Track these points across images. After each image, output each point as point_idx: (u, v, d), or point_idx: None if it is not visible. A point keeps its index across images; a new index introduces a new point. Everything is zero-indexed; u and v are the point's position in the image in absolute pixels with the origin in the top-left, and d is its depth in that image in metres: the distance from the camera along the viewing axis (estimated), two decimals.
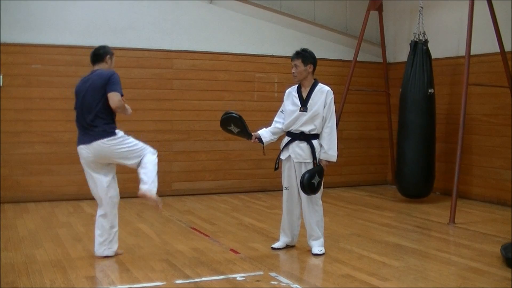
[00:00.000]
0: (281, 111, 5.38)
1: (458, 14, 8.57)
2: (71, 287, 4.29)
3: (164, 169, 8.58)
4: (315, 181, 5.06)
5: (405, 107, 8.15)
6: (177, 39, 8.67)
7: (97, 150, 4.94)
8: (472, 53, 7.24)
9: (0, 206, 7.40)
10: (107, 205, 5.03)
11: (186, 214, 7.18)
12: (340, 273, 4.66)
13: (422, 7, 8.26)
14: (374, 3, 9.18)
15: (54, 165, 7.96)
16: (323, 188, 5.23)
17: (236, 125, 5.11)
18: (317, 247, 5.25)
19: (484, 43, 7.98)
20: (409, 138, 8.06)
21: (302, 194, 5.22)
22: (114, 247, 5.09)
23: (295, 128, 5.20)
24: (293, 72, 5.23)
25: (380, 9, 9.36)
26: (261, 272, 4.66)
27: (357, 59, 9.09)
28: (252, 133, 5.21)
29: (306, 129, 5.16)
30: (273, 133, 5.32)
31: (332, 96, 5.22)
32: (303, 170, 5.16)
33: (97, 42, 8.19)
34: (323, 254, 5.23)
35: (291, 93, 5.31)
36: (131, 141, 5.12)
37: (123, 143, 5.03)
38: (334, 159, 5.20)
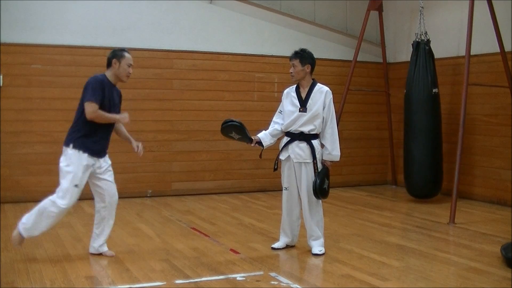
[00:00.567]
0: (279, 112, 5.37)
1: (458, 14, 8.57)
2: (71, 287, 4.29)
3: (164, 169, 8.60)
4: (326, 185, 5.11)
5: (410, 108, 8.16)
6: (177, 39, 8.67)
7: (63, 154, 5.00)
8: (472, 53, 7.24)
9: (0, 206, 7.40)
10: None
11: (186, 214, 7.18)
12: (340, 273, 4.66)
13: (423, 7, 8.26)
14: (374, 3, 9.19)
15: (54, 165, 7.83)
16: None
17: (237, 132, 5.11)
18: (317, 247, 5.25)
19: (484, 43, 7.98)
20: (417, 138, 8.07)
21: (302, 194, 5.22)
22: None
23: (294, 128, 5.19)
24: (291, 72, 5.23)
25: (380, 9, 9.36)
26: (261, 272, 4.66)
27: (357, 59, 9.09)
28: (252, 137, 5.21)
29: (306, 129, 5.16)
30: (273, 136, 5.31)
31: (331, 96, 5.22)
32: (303, 170, 5.16)
33: (97, 42, 8.26)
34: (323, 254, 5.23)
35: (290, 93, 5.30)
36: (68, 168, 4.87)
37: (62, 159, 4.93)
38: (338, 159, 5.25)
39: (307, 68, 5.20)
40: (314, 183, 5.08)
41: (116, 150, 8.28)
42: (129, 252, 5.27)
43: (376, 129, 10.04)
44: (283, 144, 5.28)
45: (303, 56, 5.19)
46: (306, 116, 5.15)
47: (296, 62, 5.19)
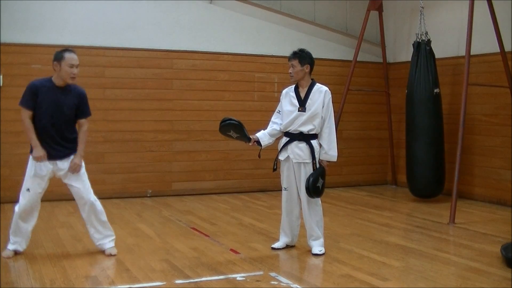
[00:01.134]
0: (277, 112, 5.36)
1: (458, 14, 8.57)
2: (71, 287, 4.29)
3: (164, 169, 8.60)
4: (320, 184, 5.08)
5: (412, 108, 8.16)
6: (177, 39, 8.67)
7: None
8: (472, 53, 7.24)
9: (0, 206, 7.40)
10: None
11: (186, 214, 7.18)
12: (340, 273, 4.66)
13: (423, 7, 8.26)
14: (374, 3, 9.19)
15: None
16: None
17: (235, 131, 5.11)
18: (317, 247, 5.25)
19: (484, 43, 7.98)
20: (419, 138, 8.07)
21: (302, 194, 5.22)
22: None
23: (293, 128, 5.19)
24: (290, 73, 5.23)
25: (380, 9, 9.36)
26: (261, 272, 4.66)
27: (357, 59, 9.09)
28: (251, 136, 5.21)
29: (305, 129, 5.15)
30: (271, 136, 5.30)
31: (330, 96, 5.21)
32: (302, 171, 5.16)
33: (97, 42, 8.27)
34: (323, 254, 5.22)
35: (289, 93, 5.29)
36: (27, 170, 5.00)
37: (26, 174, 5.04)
38: (335, 159, 5.21)
39: (306, 68, 5.19)
40: (307, 181, 5.06)
41: (116, 150, 8.36)
42: (129, 252, 5.27)
43: (376, 129, 10.04)
44: (282, 145, 5.27)
45: (302, 56, 5.19)
46: (305, 115, 5.14)
47: (295, 62, 5.18)
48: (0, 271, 4.60)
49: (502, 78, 7.72)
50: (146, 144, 8.48)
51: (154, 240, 5.78)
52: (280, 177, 5.38)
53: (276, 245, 5.44)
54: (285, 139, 5.26)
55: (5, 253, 5.03)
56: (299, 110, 5.16)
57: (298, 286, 4.32)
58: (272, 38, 9.27)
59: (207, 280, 4.44)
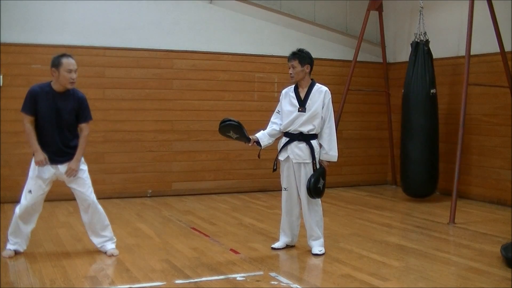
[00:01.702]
0: (277, 112, 5.36)
1: (458, 14, 8.57)
2: (71, 287, 4.29)
3: (164, 169, 8.60)
4: (321, 184, 5.09)
5: (408, 108, 8.17)
6: (177, 39, 8.67)
7: None
8: (472, 53, 7.24)
9: (0, 206, 7.40)
10: None
11: (186, 214, 7.18)
12: (340, 273, 4.66)
13: (422, 7, 8.26)
14: (374, 3, 9.18)
15: None
16: None
17: (235, 131, 5.11)
18: (317, 247, 5.25)
19: (484, 43, 7.98)
20: (413, 138, 8.08)
21: (302, 194, 5.22)
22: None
23: (293, 128, 5.19)
24: (291, 73, 5.22)
25: (380, 9, 9.36)
26: (261, 272, 4.66)
27: (357, 59, 9.09)
28: (250, 137, 5.20)
29: (305, 129, 5.15)
30: (271, 136, 5.30)
31: (330, 96, 5.21)
32: (302, 171, 5.16)
33: (97, 42, 8.27)
34: (323, 254, 5.23)
35: (288, 93, 5.29)
36: (30, 172, 5.03)
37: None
38: (335, 159, 5.21)
39: (307, 68, 5.19)
40: (308, 182, 5.07)
41: (116, 150, 8.36)
42: (129, 252, 5.27)
43: (376, 129, 10.04)
44: (282, 145, 5.27)
45: (301, 56, 5.18)
46: (305, 116, 5.14)
47: (295, 63, 5.18)
48: (0, 271, 4.60)
49: (502, 78, 7.72)
50: (146, 144, 8.48)
51: (154, 240, 5.78)
52: (280, 177, 5.38)
53: (276, 245, 5.44)
54: (285, 139, 5.26)
55: (5, 253, 5.04)
56: (299, 111, 5.16)
57: (298, 286, 4.32)
58: (272, 38, 9.27)
59: (207, 280, 4.44)
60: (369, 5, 9.18)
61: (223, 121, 5.10)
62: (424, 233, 6.26)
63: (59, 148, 4.96)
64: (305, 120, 5.14)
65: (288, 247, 5.46)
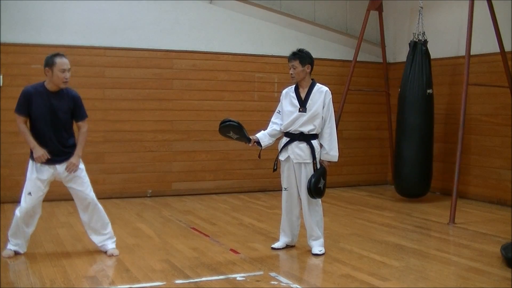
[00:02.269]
0: (277, 112, 5.36)
1: (458, 14, 8.57)
2: (71, 287, 4.29)
3: (164, 169, 8.60)
4: (321, 184, 5.09)
5: (403, 107, 8.17)
6: (177, 39, 8.67)
7: None
8: (472, 53, 7.24)
9: (0, 206, 7.40)
10: None
11: (186, 214, 7.18)
12: (340, 273, 4.66)
13: (421, 7, 8.26)
14: (374, 3, 9.18)
15: None
16: None
17: (235, 132, 5.11)
18: (317, 247, 5.25)
19: (484, 43, 7.99)
20: (407, 138, 8.08)
21: (302, 194, 5.22)
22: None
23: (294, 128, 5.19)
24: (291, 73, 5.21)
25: (380, 9, 9.36)
26: (261, 272, 4.66)
27: (357, 59, 9.09)
28: (251, 137, 5.20)
29: (306, 129, 5.15)
30: (271, 136, 5.30)
31: (331, 96, 5.21)
32: (303, 171, 5.16)
33: (97, 42, 8.27)
34: (323, 254, 5.23)
35: (289, 93, 5.29)
36: (28, 174, 5.00)
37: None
38: (336, 159, 5.21)
39: (307, 68, 5.19)
40: (309, 182, 5.07)
41: (116, 150, 8.36)
42: (129, 252, 5.27)
43: (376, 129, 10.04)
44: (282, 145, 5.27)
45: (302, 56, 5.18)
46: (306, 116, 5.14)
47: (296, 63, 5.17)
48: (0, 271, 4.59)
49: (502, 78, 7.72)
50: (146, 144, 8.48)
51: (154, 240, 5.78)
52: (280, 177, 5.38)
53: (276, 245, 5.44)
54: (285, 139, 5.26)
55: (5, 253, 5.04)
56: (299, 111, 5.16)
57: (298, 286, 4.32)
58: (272, 38, 9.27)
59: (207, 280, 4.44)
60: (369, 5, 9.18)
61: (223, 122, 5.10)
62: (424, 233, 6.26)
63: (57, 147, 4.95)
64: (305, 120, 5.14)
65: (288, 247, 5.46)
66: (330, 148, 5.16)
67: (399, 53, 9.85)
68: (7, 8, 7.73)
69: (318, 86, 5.23)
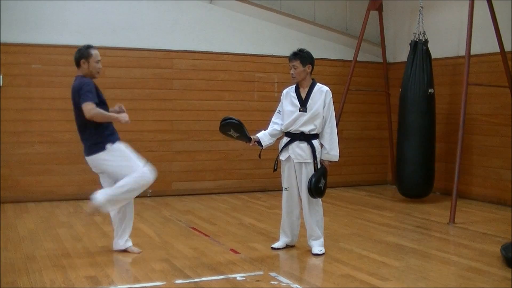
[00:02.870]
0: (278, 112, 5.36)
1: (458, 14, 8.57)
2: (71, 287, 4.29)
3: (164, 169, 8.59)
4: (322, 184, 5.08)
5: (405, 107, 8.16)
6: (177, 39, 8.67)
7: (93, 164, 5.07)
8: (472, 53, 7.24)
9: (0, 206, 7.40)
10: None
11: (186, 214, 7.18)
12: (340, 273, 4.66)
13: (422, 7, 8.26)
14: (374, 3, 9.18)
15: (54, 165, 7.96)
16: None
17: (235, 130, 5.11)
18: (317, 247, 5.25)
19: (484, 43, 7.99)
20: (409, 138, 8.07)
21: (302, 194, 5.22)
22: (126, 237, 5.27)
23: (294, 128, 5.19)
24: (292, 73, 5.22)
25: (380, 9, 9.36)
26: (261, 272, 4.66)
27: (357, 59, 9.09)
28: (252, 137, 5.20)
29: (306, 129, 5.15)
30: (272, 136, 5.30)
31: (331, 96, 5.21)
32: (304, 171, 5.16)
33: (97, 42, 8.17)
34: (323, 254, 5.22)
35: (289, 93, 5.29)
36: (123, 156, 5.03)
37: (113, 159, 4.99)
38: (337, 159, 5.21)
39: (308, 68, 5.19)
40: (309, 181, 5.07)
41: None
42: (129, 252, 5.26)
43: (376, 129, 10.04)
44: (283, 145, 5.27)
45: (303, 56, 5.18)
46: (306, 116, 5.14)
47: (297, 63, 5.17)
48: (0, 271, 4.60)
49: (502, 78, 7.72)
50: (146, 144, 8.48)
51: (154, 240, 5.78)
52: (280, 177, 5.38)
53: (276, 245, 5.44)
54: (286, 139, 5.26)
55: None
56: (300, 111, 5.16)
57: (298, 286, 4.32)
58: (272, 38, 9.27)
59: (207, 280, 4.44)
60: (369, 5, 9.18)
61: (224, 120, 5.10)
62: (424, 233, 6.26)
63: (83, 141, 5.08)
64: (306, 120, 5.14)
65: (288, 247, 5.46)
66: (330, 148, 5.16)
67: (399, 53, 9.85)
68: (7, 8, 7.73)
69: (318, 86, 5.23)
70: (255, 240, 5.81)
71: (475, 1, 7.19)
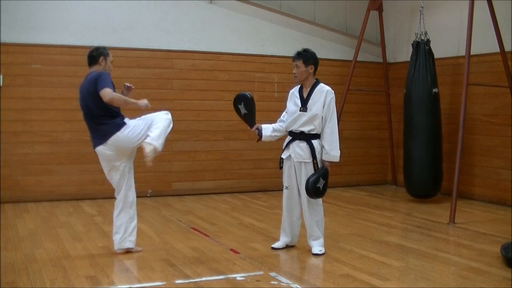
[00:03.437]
0: (285, 111, 5.43)
1: (458, 14, 8.57)
2: (71, 287, 4.29)
3: (164, 169, 8.60)
4: (320, 184, 5.07)
5: (410, 108, 8.15)
6: (177, 39, 8.67)
7: (115, 145, 5.16)
8: (472, 53, 7.24)
9: (0, 206, 7.40)
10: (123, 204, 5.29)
11: (186, 214, 7.18)
12: (340, 273, 4.66)
13: (422, 7, 8.27)
14: (374, 3, 9.19)
15: (54, 165, 7.95)
16: None
17: (246, 105, 5.22)
18: (317, 247, 5.25)
19: (484, 43, 7.98)
20: (416, 138, 8.06)
21: (303, 194, 5.22)
22: (133, 238, 5.25)
23: (295, 128, 5.21)
24: (294, 73, 5.23)
25: (380, 9, 9.36)
26: (261, 272, 4.66)
27: (357, 59, 9.09)
28: (256, 123, 5.28)
29: (306, 129, 5.16)
30: (275, 130, 5.35)
31: (332, 96, 5.21)
32: (303, 170, 5.16)
33: (97, 42, 8.22)
34: (323, 254, 5.22)
35: (294, 93, 5.34)
36: (141, 122, 5.33)
37: (136, 127, 5.26)
38: (337, 159, 5.20)
39: (311, 68, 5.20)
40: (307, 181, 5.07)
41: None
42: (129, 252, 5.26)
43: (376, 129, 10.04)
44: (285, 144, 5.31)
45: (306, 56, 5.19)
46: (306, 116, 5.15)
47: (300, 63, 5.18)
48: (0, 271, 4.59)
49: (502, 78, 7.72)
50: None
51: (154, 240, 5.78)
52: (281, 177, 5.40)
53: (276, 245, 5.44)
54: (288, 138, 5.31)
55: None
56: (300, 110, 5.18)
57: (298, 286, 4.32)
58: (272, 38, 9.27)
59: (207, 280, 4.44)
60: (369, 5, 9.18)
61: (240, 93, 5.35)
62: (424, 233, 6.26)
63: (92, 133, 5.26)
64: (306, 120, 5.15)
65: (288, 247, 5.45)
66: (330, 148, 5.16)
67: (399, 53, 9.85)
68: (7, 8, 7.73)
69: (320, 86, 5.24)
70: (255, 240, 5.81)
71: (475, 1, 7.19)
